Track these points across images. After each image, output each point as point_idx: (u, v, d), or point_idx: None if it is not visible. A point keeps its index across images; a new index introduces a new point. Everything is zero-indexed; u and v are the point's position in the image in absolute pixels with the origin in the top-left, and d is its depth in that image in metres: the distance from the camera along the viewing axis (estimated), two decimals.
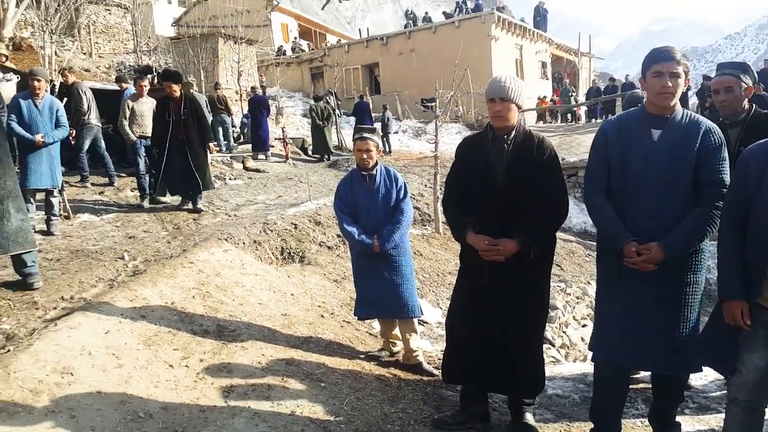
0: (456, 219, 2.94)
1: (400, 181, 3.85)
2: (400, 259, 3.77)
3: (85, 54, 22.34)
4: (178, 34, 27.18)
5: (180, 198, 7.49)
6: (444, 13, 27.15)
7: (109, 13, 24.94)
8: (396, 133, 19.97)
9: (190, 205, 7.35)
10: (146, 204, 7.49)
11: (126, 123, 7.41)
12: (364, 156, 3.75)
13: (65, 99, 7.72)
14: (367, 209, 3.79)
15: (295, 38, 32.34)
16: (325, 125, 14.14)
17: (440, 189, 9.05)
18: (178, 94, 6.83)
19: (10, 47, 18.13)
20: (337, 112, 18.31)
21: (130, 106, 7.44)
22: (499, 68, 21.01)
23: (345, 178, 4.00)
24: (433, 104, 10.92)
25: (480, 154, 2.87)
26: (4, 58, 11.65)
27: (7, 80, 8.51)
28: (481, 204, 2.82)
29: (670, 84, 2.42)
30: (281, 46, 30.04)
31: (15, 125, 5.51)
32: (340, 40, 35.10)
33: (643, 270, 2.42)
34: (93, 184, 8.43)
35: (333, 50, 26.96)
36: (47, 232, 5.84)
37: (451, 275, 7.23)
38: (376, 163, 3.83)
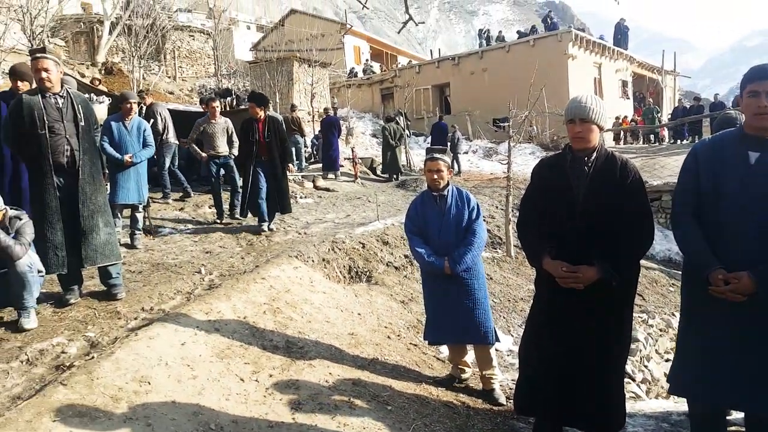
0: (531, 243, 2.89)
1: (473, 201, 3.80)
2: (472, 283, 3.71)
3: (169, 77, 23.79)
4: (255, 58, 28.48)
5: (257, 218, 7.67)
6: (518, 32, 26.92)
7: (193, 39, 26.53)
8: (466, 153, 19.90)
9: (265, 226, 7.37)
10: (222, 222, 7.76)
11: (194, 144, 7.79)
12: (435, 176, 3.75)
13: (151, 120, 8.19)
14: (438, 230, 3.77)
15: (367, 60, 33.05)
16: (397, 145, 14.29)
17: (512, 211, 8.88)
18: (262, 116, 7.04)
19: (102, 71, 19.64)
20: (407, 132, 18.45)
21: (201, 128, 7.74)
22: (576, 87, 20.56)
23: (416, 198, 4.01)
24: (506, 124, 10.80)
25: (558, 176, 2.80)
26: (97, 82, 12.61)
27: (100, 102, 9.18)
28: (559, 228, 2.74)
29: (766, 104, 2.31)
30: (353, 68, 30.80)
31: (107, 146, 5.97)
32: (410, 61, 35.61)
33: (731, 300, 2.29)
34: (174, 200, 8.94)
35: (404, 71, 27.35)
36: (131, 246, 6.19)
37: (523, 301, 7.06)
38: (447, 184, 3.81)
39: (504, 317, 6.70)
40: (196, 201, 9.11)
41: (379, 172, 15.37)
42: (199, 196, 9.46)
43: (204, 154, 7.72)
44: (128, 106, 6.18)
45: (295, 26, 29.40)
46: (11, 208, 3.84)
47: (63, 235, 3.96)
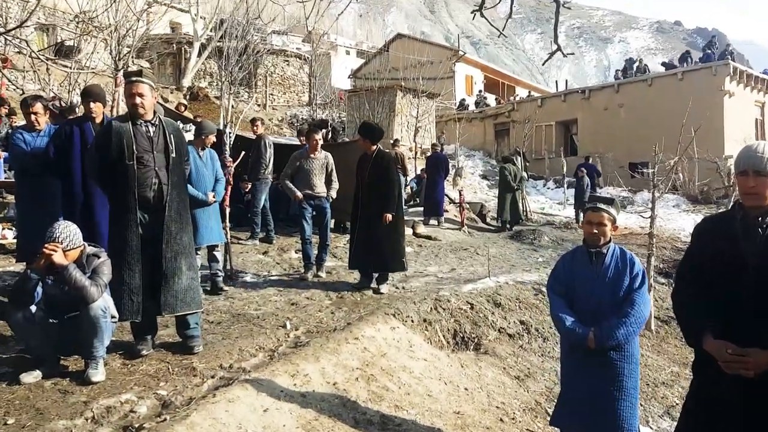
0: (690, 319, 2.74)
1: (637, 266, 3.57)
2: (622, 366, 3.45)
3: (259, 105, 25.10)
4: (354, 86, 29.57)
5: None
6: (663, 63, 26.14)
7: (287, 64, 27.97)
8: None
9: (375, 284, 7.21)
10: (310, 276, 7.55)
11: (289, 180, 7.55)
12: (595, 230, 3.60)
13: (242, 152, 8.57)
14: (588, 295, 3.59)
15: (480, 91, 33.31)
16: (519, 188, 14.20)
17: (654, 275, 8.41)
18: (373, 149, 7.04)
19: (188, 96, 21.08)
20: (525, 175, 18.22)
21: (297, 163, 7.56)
22: (733, 130, 19.56)
23: (566, 255, 3.89)
24: (649, 171, 10.32)
25: (725, 240, 2.64)
26: (182, 107, 13.52)
27: (186, 131, 9.80)
28: (726, 302, 2.58)
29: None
30: (463, 99, 31.10)
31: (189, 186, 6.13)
32: (530, 93, 35.48)
33: None
34: (261, 241, 9.34)
35: (523, 104, 27.28)
36: (211, 291, 6.43)
37: (665, 386, 6.57)
38: (609, 241, 3.65)
39: (641, 404, 6.22)
40: (281, 244, 9.42)
41: (488, 220, 15.18)
42: (285, 239, 9.78)
43: (299, 194, 7.44)
44: (206, 138, 6.47)
45: (400, 52, 30.38)
46: (89, 245, 3.97)
47: (141, 278, 4.08)
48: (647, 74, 24.10)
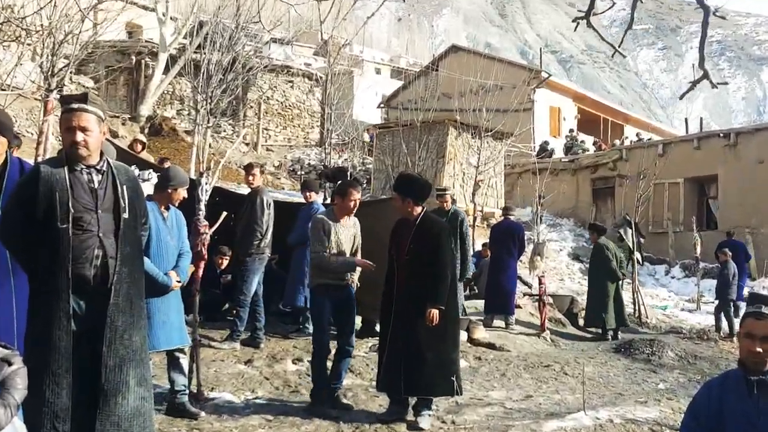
0: None
1: None
2: None
3: (248, 145, 25.49)
4: (386, 119, 29.94)
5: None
6: None
7: (291, 87, 28.50)
8: (744, 301, 19.01)
9: (411, 415, 7.11)
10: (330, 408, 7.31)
11: (327, 255, 7.26)
12: (758, 348, 3.56)
13: (223, 213, 8.63)
14: None
15: (572, 131, 33.48)
16: (624, 277, 14.10)
17: None
18: (416, 213, 7.12)
19: (147, 129, 21.48)
20: (637, 255, 18.10)
21: (328, 229, 7.30)
22: None
23: (711, 381, 3.91)
24: None
25: None
26: (140, 146, 13.72)
27: (144, 179, 9.91)
28: None
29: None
30: (546, 142, 31.23)
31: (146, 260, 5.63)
32: (642, 136, 35.28)
33: None
34: (243, 344, 9.39)
35: (635, 151, 27.29)
36: (171, 411, 6.48)
37: None
38: None
39: None
40: (273, 350, 9.49)
41: (582, 323, 15.05)
42: (278, 342, 9.88)
43: (368, 262, 7.39)
44: (179, 190, 6.51)
45: (455, 72, 30.67)
46: None
47: (70, 396, 3.96)
48: None
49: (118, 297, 4.15)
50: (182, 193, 6.61)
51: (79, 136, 4.08)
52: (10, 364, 3.82)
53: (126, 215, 4.22)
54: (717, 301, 16.26)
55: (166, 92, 23.83)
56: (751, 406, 3.58)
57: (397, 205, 7.26)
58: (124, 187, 4.28)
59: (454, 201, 13.57)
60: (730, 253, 16.69)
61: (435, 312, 6.75)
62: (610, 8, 3.38)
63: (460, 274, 10.88)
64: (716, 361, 12.36)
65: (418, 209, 7.09)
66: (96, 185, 4.17)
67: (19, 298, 4.55)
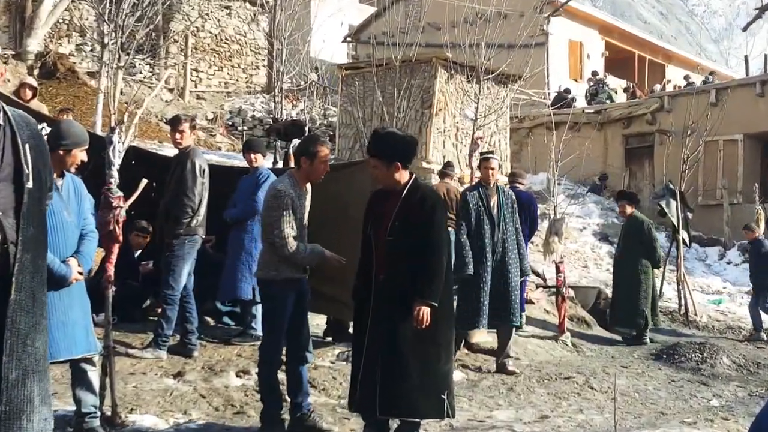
0: None
1: None
2: None
3: (171, 91, 25.35)
4: (355, 57, 29.80)
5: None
6: None
7: (229, 15, 28.33)
8: None
9: None
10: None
11: (301, 243, 7.27)
12: None
13: (144, 180, 8.61)
14: None
15: (596, 73, 33.46)
16: (659, 265, 14.17)
17: None
18: (403, 181, 6.81)
19: (38, 69, 21.31)
20: (684, 235, 18.17)
21: (294, 205, 7.26)
22: None
23: None
24: None
25: None
26: (29, 93, 13.57)
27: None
28: None
29: None
30: (566, 88, 31.21)
31: None
32: (689, 77, 35.40)
33: None
34: (171, 351, 9.34)
35: (680, 99, 27.32)
36: None
37: None
38: None
39: None
40: (210, 359, 9.51)
41: (614, 322, 15.16)
42: (216, 349, 9.90)
43: (343, 259, 7.43)
44: (74, 151, 6.41)
45: None
46: None
47: None
48: None
49: (20, 292, 4.00)
50: (79, 155, 6.38)
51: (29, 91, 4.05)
52: None
53: (30, 184, 4.00)
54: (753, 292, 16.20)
55: (61, 21, 23.61)
56: None
57: (378, 173, 6.81)
58: (27, 146, 4.04)
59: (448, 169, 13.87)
60: (759, 230, 16.75)
61: (425, 310, 6.41)
62: None
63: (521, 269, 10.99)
64: None
65: (406, 175, 6.76)
66: None
67: None
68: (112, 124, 10.74)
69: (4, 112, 4.01)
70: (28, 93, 13.33)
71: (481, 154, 8.53)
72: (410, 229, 6.61)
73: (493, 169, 10.98)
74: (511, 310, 10.45)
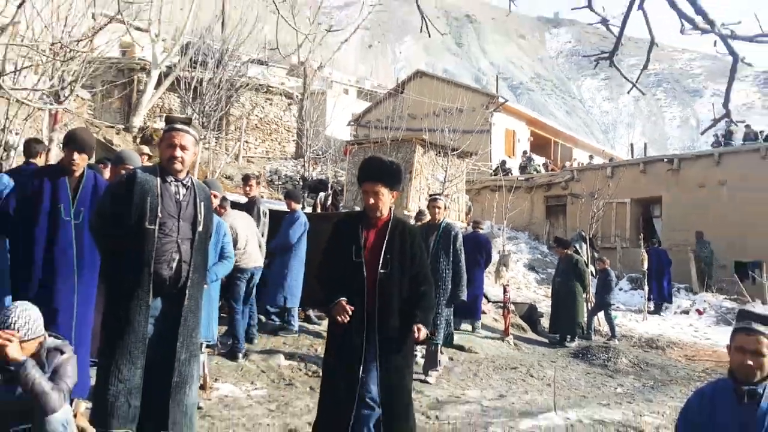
0: None
1: None
2: None
3: (228, 155, 25.51)
4: (355, 136, 30.09)
5: None
6: None
7: (270, 104, 28.61)
8: (686, 313, 19.38)
9: None
10: None
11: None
12: (749, 361, 3.56)
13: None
14: None
15: (525, 152, 33.79)
16: (585, 289, 14.41)
17: None
18: (385, 215, 5.11)
19: (139, 139, 21.49)
20: (591, 268, 18.31)
21: None
22: None
23: (704, 388, 3.92)
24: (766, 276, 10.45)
25: None
26: (146, 159, 13.60)
27: None
28: None
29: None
30: (504, 161, 31.45)
31: None
32: (592, 156, 35.92)
33: None
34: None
35: (585, 173, 27.61)
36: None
37: None
38: (767, 378, 3.60)
39: None
40: (265, 345, 9.57)
41: (540, 329, 15.41)
42: (269, 338, 9.94)
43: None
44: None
45: (420, 96, 30.98)
46: (49, 334, 4.02)
47: (142, 375, 4.21)
48: (759, 143, 24.28)
49: (191, 300, 4.42)
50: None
51: (178, 153, 4.38)
52: (61, 353, 3.90)
53: (200, 228, 4.50)
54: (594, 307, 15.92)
55: (156, 106, 23.73)
56: (739, 414, 3.59)
57: (382, 199, 4.94)
58: (202, 203, 4.55)
59: (422, 216, 13.26)
60: (608, 261, 16.82)
61: (425, 333, 4.94)
62: (615, 51, 3.36)
63: (451, 295, 9.35)
64: (666, 368, 12.46)
65: (386, 203, 5.04)
66: (181, 197, 4.46)
67: (80, 293, 4.90)
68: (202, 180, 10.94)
69: (191, 180, 4.61)
70: (145, 159, 13.39)
71: (429, 196, 7.65)
72: (404, 260, 5.00)
73: (439, 208, 9.39)
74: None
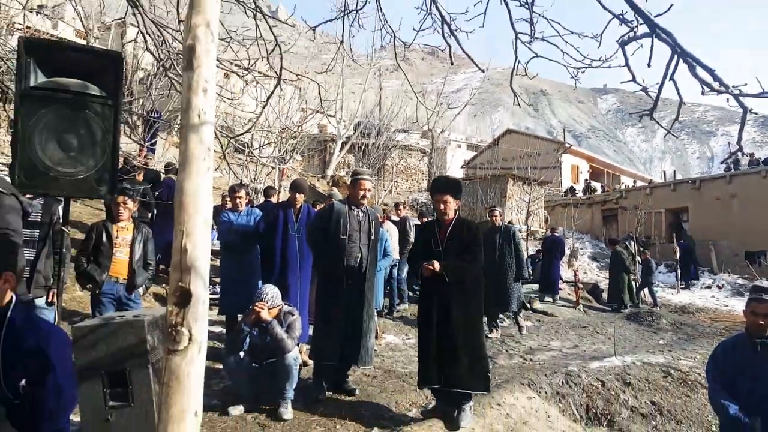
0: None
1: None
2: None
3: (385, 190, 26.13)
4: (467, 174, 30.01)
5: None
6: None
7: (410, 156, 29.09)
8: (709, 288, 18.21)
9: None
10: None
11: None
12: (761, 322, 3.48)
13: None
14: (751, 387, 3.42)
15: (586, 180, 32.76)
16: (633, 272, 13.73)
17: None
18: (451, 215, 4.68)
19: (330, 183, 22.47)
20: (638, 258, 17.48)
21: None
22: None
23: (726, 341, 3.78)
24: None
25: None
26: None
27: None
28: None
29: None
30: (572, 186, 30.59)
31: None
32: (635, 181, 34.39)
33: None
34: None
35: (631, 192, 26.45)
36: None
37: None
38: None
39: None
40: (414, 310, 9.55)
41: (601, 300, 14.79)
42: (410, 305, 9.94)
43: None
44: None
45: (510, 145, 30.64)
46: (285, 304, 4.53)
47: (341, 331, 4.58)
48: (761, 167, 22.75)
49: (368, 282, 4.79)
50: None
51: (362, 192, 4.82)
52: (292, 315, 4.28)
53: (372, 237, 4.88)
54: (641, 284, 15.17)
55: (340, 162, 24.70)
56: (753, 361, 3.51)
57: (450, 206, 4.48)
58: (373, 221, 4.93)
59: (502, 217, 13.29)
60: (649, 253, 16.26)
61: (438, 267, 4.22)
62: (654, 108, 3.10)
63: (516, 274, 8.87)
64: (695, 326, 11.69)
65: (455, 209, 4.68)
66: (361, 218, 4.86)
67: (302, 279, 5.53)
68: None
69: (366, 208, 5.00)
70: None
71: (488, 208, 6.35)
72: (462, 247, 4.40)
73: (495, 216, 8.78)
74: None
